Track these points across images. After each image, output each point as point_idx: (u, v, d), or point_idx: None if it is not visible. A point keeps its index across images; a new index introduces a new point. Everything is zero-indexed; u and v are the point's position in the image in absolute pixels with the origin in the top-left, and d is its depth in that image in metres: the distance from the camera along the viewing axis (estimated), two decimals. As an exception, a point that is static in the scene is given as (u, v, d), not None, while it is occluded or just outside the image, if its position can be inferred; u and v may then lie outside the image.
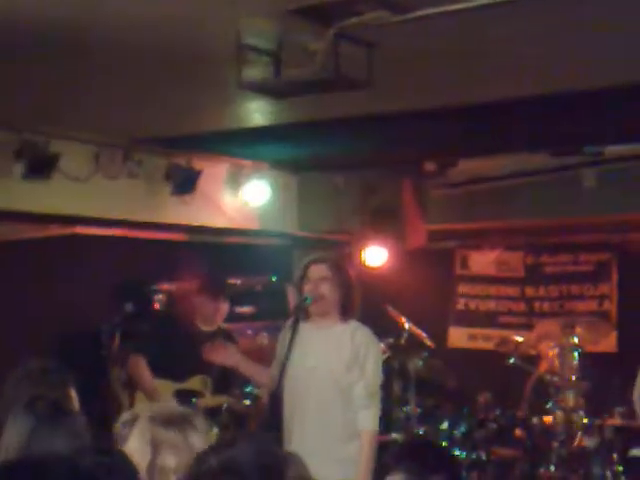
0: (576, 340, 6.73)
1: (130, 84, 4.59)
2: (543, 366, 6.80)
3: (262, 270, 7.39)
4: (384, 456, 4.38)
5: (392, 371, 6.68)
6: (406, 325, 6.89)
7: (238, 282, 7.24)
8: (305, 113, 5.12)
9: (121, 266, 6.78)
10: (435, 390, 7.12)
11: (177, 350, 5.37)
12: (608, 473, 6.31)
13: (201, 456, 2.20)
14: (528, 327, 7.77)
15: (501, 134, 5.95)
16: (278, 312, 6.36)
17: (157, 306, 6.93)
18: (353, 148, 6.37)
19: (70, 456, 2.03)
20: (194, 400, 5.32)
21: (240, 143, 6.26)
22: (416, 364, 6.83)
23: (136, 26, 3.61)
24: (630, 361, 6.06)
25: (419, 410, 6.83)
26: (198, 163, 6.50)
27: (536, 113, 5.24)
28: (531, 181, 7.34)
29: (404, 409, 6.81)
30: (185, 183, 6.42)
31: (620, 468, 6.28)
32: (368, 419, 4.27)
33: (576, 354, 6.69)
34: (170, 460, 2.52)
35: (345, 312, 4.37)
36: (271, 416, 4.36)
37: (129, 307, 5.96)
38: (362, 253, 7.53)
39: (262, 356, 4.94)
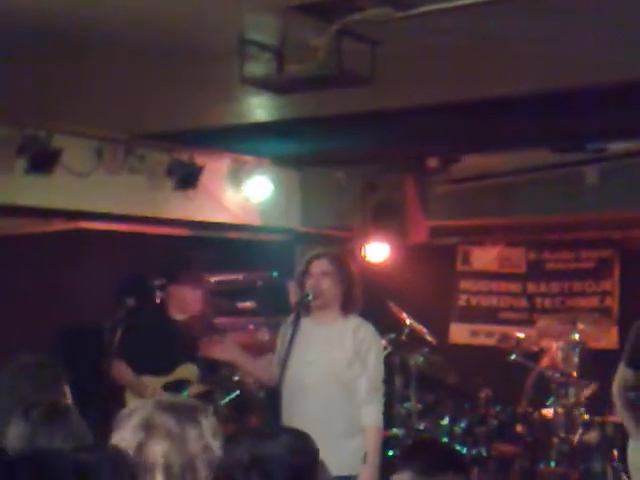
0: (577, 336, 6.74)
1: (132, 79, 4.59)
2: (544, 362, 6.81)
3: (263, 266, 7.39)
4: (386, 451, 4.41)
5: (393, 367, 6.69)
6: (407, 321, 6.89)
7: (240, 277, 7.25)
8: (307, 109, 5.12)
9: (123, 261, 6.78)
10: (436, 386, 7.12)
11: (156, 344, 5.33)
12: (608, 469, 6.32)
13: (233, 445, 2.20)
14: (529, 323, 7.77)
15: (504, 130, 5.95)
16: (279, 308, 6.36)
17: (158, 301, 6.93)
18: (355, 144, 6.37)
19: (67, 452, 2.04)
20: (185, 392, 5.31)
21: (242, 139, 6.27)
22: (417, 360, 6.83)
23: (138, 21, 3.62)
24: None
25: (420, 406, 6.84)
26: (200, 158, 6.50)
27: (538, 109, 5.23)
28: (533, 177, 7.34)
29: (405, 405, 6.82)
30: (187, 178, 6.42)
31: (620, 464, 6.28)
32: (372, 415, 4.27)
33: (577, 350, 6.70)
34: (159, 446, 2.50)
35: (346, 307, 4.38)
36: (271, 411, 4.36)
37: (131, 302, 5.95)
38: (364, 249, 7.53)
39: (262, 351, 4.93)
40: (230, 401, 6.02)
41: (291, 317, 4.43)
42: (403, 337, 6.85)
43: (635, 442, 4.76)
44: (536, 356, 6.93)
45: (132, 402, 5.11)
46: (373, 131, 5.91)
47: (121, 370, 5.31)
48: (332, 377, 4.28)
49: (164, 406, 2.60)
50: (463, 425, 6.71)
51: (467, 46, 3.97)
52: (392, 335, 6.76)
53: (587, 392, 6.56)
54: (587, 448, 6.38)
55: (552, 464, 6.43)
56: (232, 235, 7.54)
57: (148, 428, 2.53)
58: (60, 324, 6.64)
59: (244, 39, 3.79)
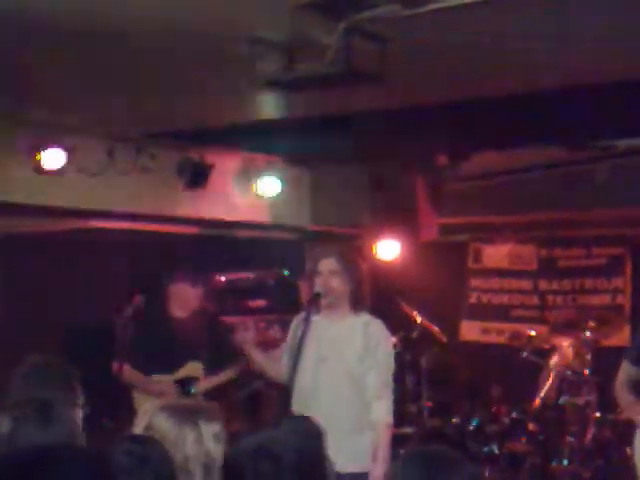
0: (589, 334, 6.72)
1: (142, 78, 4.60)
2: (556, 360, 6.79)
3: (274, 264, 7.40)
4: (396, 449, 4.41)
5: (404, 365, 6.69)
6: (418, 319, 6.89)
7: (250, 276, 7.26)
8: (317, 107, 5.12)
9: (134, 259, 6.81)
10: (447, 384, 7.12)
11: (160, 342, 5.36)
12: (621, 468, 6.30)
13: (244, 435, 2.22)
14: (541, 321, 7.76)
15: (514, 127, 5.93)
16: (290, 306, 6.37)
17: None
18: (365, 142, 6.37)
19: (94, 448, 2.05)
20: (193, 389, 5.34)
21: (252, 137, 6.27)
22: (428, 358, 6.83)
23: (148, 21, 3.63)
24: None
25: (431, 404, 6.83)
26: (210, 157, 6.51)
27: (550, 106, 5.22)
28: (544, 175, 7.32)
29: (416, 403, 6.81)
30: (197, 177, 6.44)
31: (633, 463, 6.26)
32: (382, 410, 4.28)
33: (589, 348, 6.68)
34: None
35: (355, 305, 4.39)
36: (282, 408, 4.37)
37: (141, 300, 5.97)
38: (374, 246, 7.53)
39: (274, 349, 4.94)
40: (245, 397, 6.03)
41: (302, 315, 4.44)
42: (414, 335, 6.85)
43: None
44: (547, 354, 6.92)
45: (140, 400, 5.14)
46: (383, 129, 5.91)
47: (129, 374, 5.33)
48: (343, 373, 4.30)
49: (166, 408, 2.62)
50: (475, 423, 6.70)
51: (477, 43, 3.96)
52: (403, 333, 6.76)
53: (599, 390, 6.55)
54: (599, 446, 6.36)
55: (564, 462, 6.41)
56: (243, 234, 7.56)
57: (148, 429, 2.56)
58: (72, 322, 6.68)
59: (254, 38, 3.80)
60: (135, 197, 6.33)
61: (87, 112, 5.44)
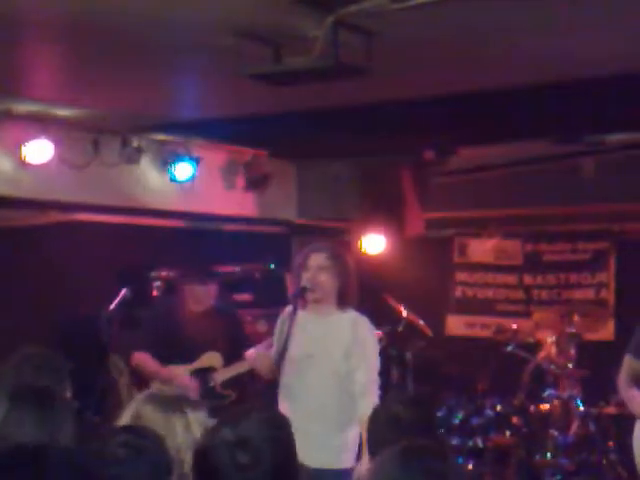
0: (573, 328, 6.75)
1: (128, 71, 4.58)
2: (540, 354, 6.82)
3: (261, 258, 7.40)
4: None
5: (390, 359, 6.70)
6: (404, 313, 6.90)
7: (237, 269, 7.25)
8: (304, 101, 5.11)
9: (120, 253, 6.78)
10: (433, 378, 7.14)
11: (179, 334, 5.42)
12: (604, 461, 6.34)
13: (215, 427, 2.22)
14: (526, 315, 7.79)
15: (501, 122, 5.95)
16: (276, 300, 6.36)
17: (155, 292, 6.95)
18: (352, 136, 6.36)
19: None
20: (211, 381, 5.40)
21: (239, 130, 6.26)
22: (414, 352, 6.84)
23: (134, 13, 3.61)
24: (627, 349, 6.07)
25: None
26: (197, 150, 6.49)
27: (536, 101, 5.23)
28: (530, 169, 7.34)
29: (402, 396, 6.82)
30: (184, 170, 6.42)
31: (616, 456, 6.31)
32: (369, 406, 4.26)
33: (573, 342, 6.71)
34: None
35: (342, 301, 4.39)
36: (268, 402, 4.37)
37: (127, 293, 5.97)
38: (361, 241, 7.54)
39: (260, 343, 4.95)
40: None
41: (288, 310, 4.44)
42: (400, 329, 6.85)
43: None
44: (532, 348, 6.94)
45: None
46: (370, 123, 5.91)
47: (143, 359, 5.40)
48: (329, 370, 4.30)
49: (152, 398, 2.63)
50: (459, 416, 6.72)
51: (464, 37, 3.96)
52: (389, 327, 6.77)
53: (583, 384, 6.58)
54: (583, 440, 6.40)
55: (548, 456, 6.45)
56: (229, 227, 7.54)
57: (136, 419, 2.57)
58: (56, 315, 6.65)
59: (242, 31, 3.78)
60: (120, 190, 6.31)
61: (73, 104, 5.41)
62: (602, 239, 7.92)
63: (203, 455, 2.21)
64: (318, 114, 5.55)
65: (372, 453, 2.95)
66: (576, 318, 6.80)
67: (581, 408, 6.48)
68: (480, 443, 6.62)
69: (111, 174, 6.14)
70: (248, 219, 7.34)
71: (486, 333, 7.83)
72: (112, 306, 5.90)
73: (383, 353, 4.74)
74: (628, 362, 4.60)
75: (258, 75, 4.02)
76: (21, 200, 5.90)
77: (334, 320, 4.38)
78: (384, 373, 4.52)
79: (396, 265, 7.70)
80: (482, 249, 8.43)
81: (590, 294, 7.93)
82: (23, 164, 5.64)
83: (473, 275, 8.49)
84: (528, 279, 8.24)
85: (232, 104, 5.36)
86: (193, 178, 6.46)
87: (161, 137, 6.37)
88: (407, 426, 2.90)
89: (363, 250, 7.49)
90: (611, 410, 6.41)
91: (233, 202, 7.06)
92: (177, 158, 6.37)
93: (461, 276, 8.54)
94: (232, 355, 5.46)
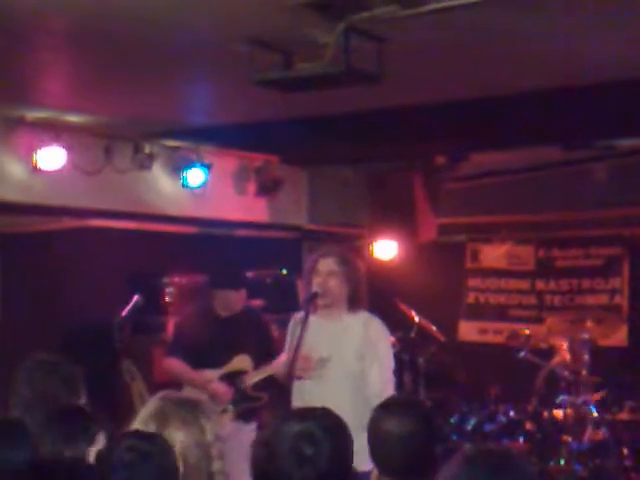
0: (587, 334, 6.72)
1: (141, 77, 4.60)
2: (553, 360, 6.79)
3: (272, 263, 7.40)
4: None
5: (402, 365, 6.68)
6: (416, 319, 6.89)
7: (248, 275, 7.25)
8: (315, 107, 5.12)
9: (131, 258, 6.80)
10: (445, 384, 7.12)
11: (208, 339, 5.43)
12: (618, 467, 6.30)
13: (283, 418, 2.29)
14: (539, 321, 7.76)
15: (512, 127, 5.94)
16: (288, 305, 6.37)
17: (167, 299, 6.96)
18: (363, 142, 6.37)
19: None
20: (241, 384, 5.41)
21: (251, 137, 6.27)
22: (426, 358, 6.83)
23: (145, 20, 3.62)
24: (641, 355, 6.06)
25: (429, 403, 6.83)
26: (209, 156, 6.51)
27: (548, 106, 5.22)
28: (542, 175, 7.33)
29: (414, 402, 6.79)
30: (196, 176, 6.44)
31: (630, 462, 6.27)
32: None
33: (587, 348, 6.68)
34: (177, 434, 2.53)
35: (352, 306, 4.39)
36: (282, 407, 4.37)
37: (139, 299, 5.98)
38: (372, 246, 7.53)
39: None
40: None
41: (300, 315, 4.44)
42: (412, 335, 6.85)
43: None
44: (545, 354, 6.92)
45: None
46: (381, 129, 5.91)
47: (177, 366, 5.43)
48: (343, 373, 4.30)
49: (174, 400, 2.64)
50: (472, 422, 6.70)
51: (474, 43, 3.96)
52: (401, 333, 6.76)
53: (596, 390, 6.55)
54: (597, 446, 6.36)
55: (561, 462, 6.41)
56: (240, 233, 7.55)
57: (161, 419, 2.56)
58: (69, 321, 6.67)
59: (253, 37, 3.80)
60: (132, 196, 6.33)
61: (85, 111, 5.43)
62: (615, 244, 7.89)
63: (265, 445, 2.23)
64: (329, 120, 5.55)
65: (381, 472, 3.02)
66: (589, 324, 6.76)
67: (595, 414, 6.45)
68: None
69: (123, 180, 6.16)
70: (259, 225, 7.36)
71: (499, 339, 7.81)
72: (124, 312, 5.92)
73: (395, 359, 4.73)
74: None
75: (269, 81, 4.03)
76: (34, 206, 5.93)
77: (345, 322, 4.38)
78: (396, 379, 4.51)
79: (408, 271, 7.70)
80: (494, 255, 8.41)
81: (603, 300, 7.89)
82: (36, 170, 5.67)
83: (485, 281, 8.47)
84: (541, 285, 8.22)
85: (243, 110, 5.37)
86: (204, 184, 6.49)
87: (173, 143, 6.39)
88: (406, 437, 2.94)
89: (375, 256, 7.48)
90: (625, 416, 6.38)
91: (244, 208, 7.07)
92: (189, 164, 6.41)
93: (473, 282, 8.52)
94: (261, 358, 5.46)
